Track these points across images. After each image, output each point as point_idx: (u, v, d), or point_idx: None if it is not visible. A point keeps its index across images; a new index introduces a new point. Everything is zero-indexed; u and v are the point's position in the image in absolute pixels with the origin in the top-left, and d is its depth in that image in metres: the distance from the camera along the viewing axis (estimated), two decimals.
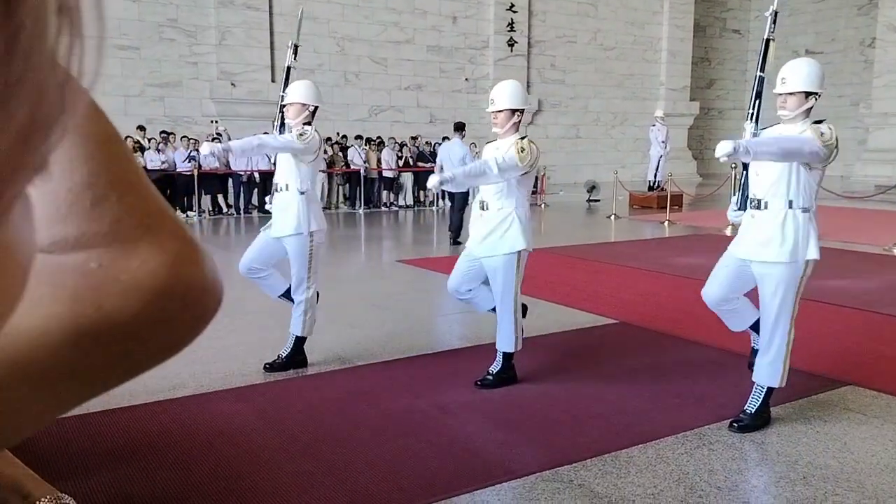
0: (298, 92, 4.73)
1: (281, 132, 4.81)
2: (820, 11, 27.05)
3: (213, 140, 14.50)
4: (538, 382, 4.53)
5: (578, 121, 23.56)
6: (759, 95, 3.84)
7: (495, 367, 4.44)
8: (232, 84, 17.61)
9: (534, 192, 17.39)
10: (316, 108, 4.76)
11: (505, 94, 4.34)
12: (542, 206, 16.37)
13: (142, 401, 4.18)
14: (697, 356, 5.08)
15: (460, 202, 10.63)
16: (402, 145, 16.58)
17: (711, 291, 3.92)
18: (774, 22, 3.92)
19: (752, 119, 3.80)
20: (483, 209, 4.34)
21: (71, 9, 0.26)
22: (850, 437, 3.69)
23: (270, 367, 4.68)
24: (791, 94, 3.66)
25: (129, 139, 13.89)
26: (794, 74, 3.67)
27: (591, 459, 3.43)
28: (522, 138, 4.29)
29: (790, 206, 3.64)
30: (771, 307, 3.72)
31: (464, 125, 11.71)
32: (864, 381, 4.51)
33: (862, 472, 3.31)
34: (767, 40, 3.91)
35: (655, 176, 17.56)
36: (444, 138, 17.44)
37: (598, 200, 16.95)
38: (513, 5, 21.49)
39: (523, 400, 4.22)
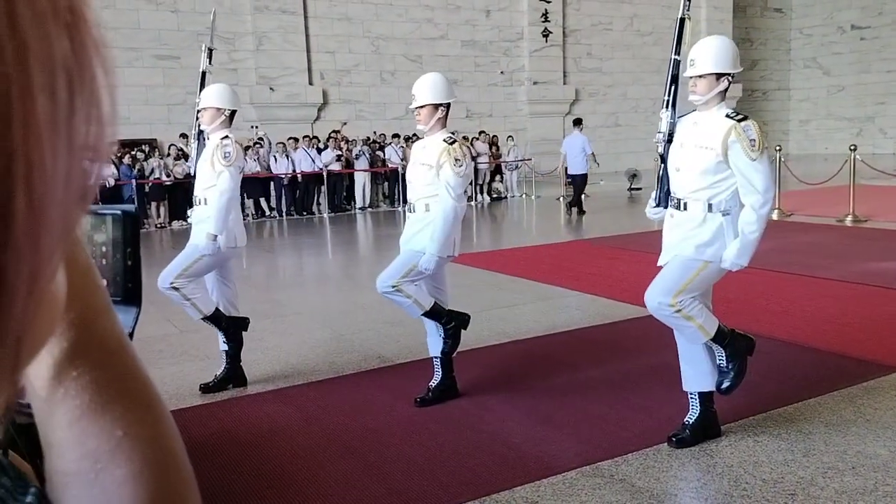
0: (213, 95, 4.44)
1: (199, 139, 4.63)
2: None
3: (254, 145, 14.74)
4: (579, 376, 4.49)
5: (617, 108, 23.27)
6: (674, 80, 3.55)
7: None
8: (270, 88, 17.84)
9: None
10: (233, 112, 4.50)
11: (426, 88, 4.04)
12: (583, 196, 16.20)
13: (188, 404, 4.27)
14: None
15: (580, 183, 13.41)
16: None
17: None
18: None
19: (668, 106, 3.52)
20: (410, 211, 4.18)
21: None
22: None
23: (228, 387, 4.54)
24: (701, 76, 3.40)
25: (172, 147, 14.19)
26: (703, 55, 3.41)
27: (632, 454, 3.39)
28: (452, 142, 4.03)
29: (710, 210, 3.38)
30: (668, 273, 3.48)
31: (581, 120, 14.17)
32: None
33: None
34: (682, 19, 3.60)
35: None
36: (505, 134, 17.42)
37: (639, 188, 16.73)
38: None
39: (564, 395, 4.20)
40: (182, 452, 0.46)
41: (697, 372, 3.53)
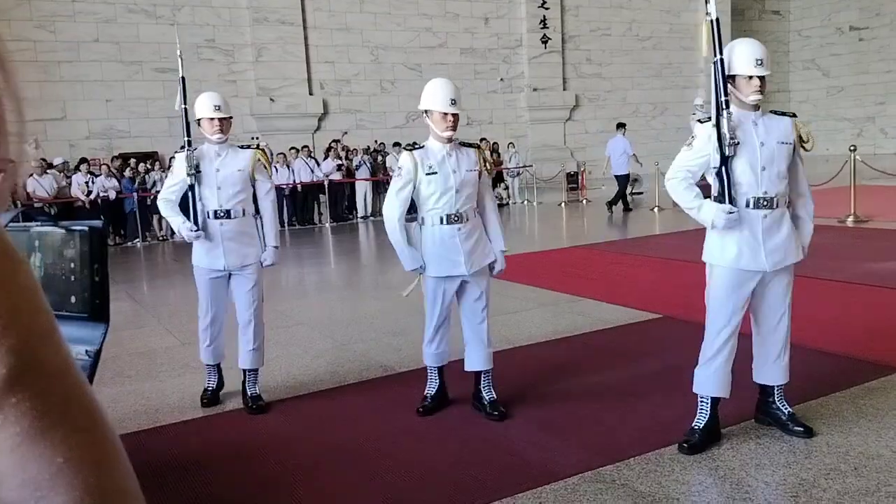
0: (227, 105, 4.42)
1: (188, 148, 4.41)
2: None
3: None
4: (581, 382, 4.49)
5: (617, 113, 23.26)
6: (725, 81, 3.44)
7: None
8: (271, 99, 17.91)
9: (574, 189, 17.31)
10: None
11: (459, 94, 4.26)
12: (584, 201, 16.25)
13: (189, 416, 4.28)
14: (744, 347, 4.97)
15: (623, 181, 14.09)
16: None
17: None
18: (708, 2, 3.67)
19: (727, 106, 3.39)
20: (461, 222, 3.97)
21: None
22: None
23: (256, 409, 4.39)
24: (764, 77, 3.45)
25: (173, 159, 14.22)
26: (766, 57, 3.46)
27: (634, 458, 3.39)
28: (477, 146, 4.22)
29: (788, 205, 3.56)
30: (781, 306, 3.64)
31: (624, 124, 14.90)
32: None
33: None
34: (715, 20, 3.53)
35: None
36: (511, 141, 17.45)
37: (640, 193, 16.73)
38: (545, 2, 21.38)
39: (566, 400, 4.20)
40: (128, 474, 0.45)
41: (713, 376, 3.54)
